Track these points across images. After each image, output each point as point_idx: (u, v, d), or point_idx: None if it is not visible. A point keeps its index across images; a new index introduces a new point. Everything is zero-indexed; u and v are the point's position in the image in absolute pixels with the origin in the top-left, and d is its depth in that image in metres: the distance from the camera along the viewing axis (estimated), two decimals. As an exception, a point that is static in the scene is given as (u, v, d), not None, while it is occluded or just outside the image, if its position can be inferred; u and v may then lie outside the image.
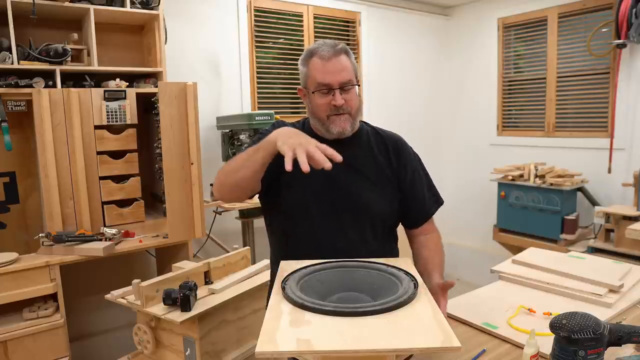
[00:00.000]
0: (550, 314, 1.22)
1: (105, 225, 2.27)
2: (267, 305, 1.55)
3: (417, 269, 1.16)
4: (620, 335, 0.90)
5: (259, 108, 3.27)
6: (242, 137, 2.71)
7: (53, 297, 2.02)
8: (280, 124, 1.44)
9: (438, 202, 1.44)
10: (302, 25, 3.45)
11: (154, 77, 2.51)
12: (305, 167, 0.99)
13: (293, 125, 1.46)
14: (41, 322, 1.95)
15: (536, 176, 3.32)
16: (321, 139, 1.37)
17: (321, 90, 1.28)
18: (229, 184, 1.25)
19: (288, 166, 1.00)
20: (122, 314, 2.61)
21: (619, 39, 2.99)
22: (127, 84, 2.39)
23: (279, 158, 1.36)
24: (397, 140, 1.43)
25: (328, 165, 1.01)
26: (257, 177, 1.22)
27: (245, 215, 2.89)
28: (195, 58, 2.98)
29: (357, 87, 1.32)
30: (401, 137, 1.46)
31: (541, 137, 3.75)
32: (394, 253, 1.42)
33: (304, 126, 1.43)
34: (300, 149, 1.02)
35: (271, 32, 3.32)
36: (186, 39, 2.91)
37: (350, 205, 1.31)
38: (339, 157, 1.04)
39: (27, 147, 2.35)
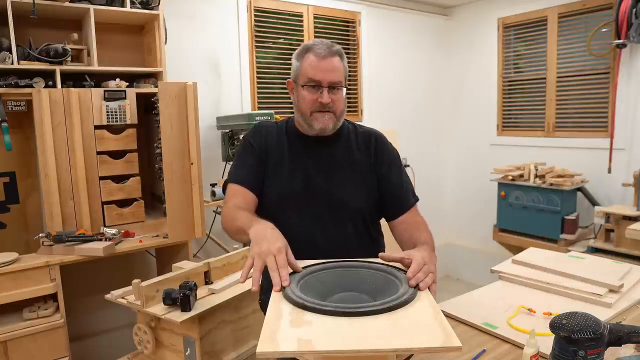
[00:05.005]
0: (550, 314, 1.22)
1: (105, 225, 2.27)
2: (260, 305, 1.54)
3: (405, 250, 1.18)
4: (620, 335, 0.90)
5: (259, 108, 3.27)
6: (242, 137, 2.70)
7: (53, 297, 2.02)
8: (261, 126, 1.47)
9: (414, 197, 1.45)
10: (302, 25, 3.44)
11: (154, 77, 2.51)
12: (255, 286, 0.98)
13: (277, 124, 1.47)
14: (41, 322, 1.95)
15: (536, 176, 3.32)
16: (303, 136, 1.39)
17: (310, 85, 1.31)
18: (231, 234, 1.30)
19: (240, 279, 1.02)
20: (122, 314, 2.61)
21: (619, 39, 2.99)
22: (127, 84, 2.39)
23: (262, 161, 1.38)
24: (376, 136, 1.47)
25: (276, 288, 0.95)
26: None
27: (245, 215, 2.89)
28: (195, 58, 2.98)
29: (344, 90, 1.35)
30: (381, 133, 1.49)
31: (541, 137, 3.75)
32: (379, 246, 1.44)
33: (287, 125, 1.45)
34: (258, 260, 1.00)
35: (271, 32, 3.32)
36: (186, 39, 2.91)
37: (329, 202, 1.35)
38: (286, 283, 0.96)
39: (27, 147, 2.35)
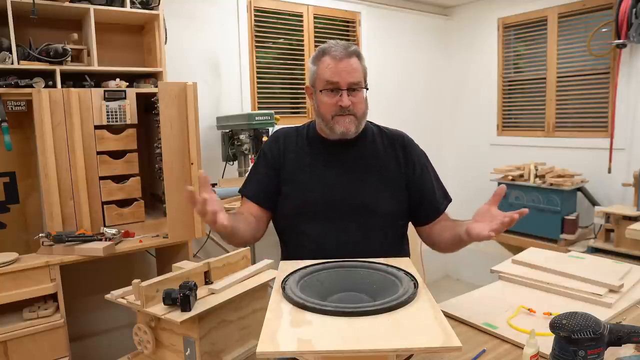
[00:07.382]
0: (550, 314, 1.22)
1: (105, 225, 2.27)
2: None
3: (449, 243, 1.24)
4: (620, 335, 0.90)
5: (259, 108, 3.27)
6: (242, 137, 2.70)
7: (53, 297, 2.02)
8: (280, 132, 1.45)
9: (447, 198, 1.44)
10: (302, 25, 3.44)
11: (154, 77, 2.51)
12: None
13: (297, 129, 1.45)
14: (41, 322, 1.95)
15: (536, 176, 3.32)
16: (325, 140, 1.37)
17: (329, 89, 1.28)
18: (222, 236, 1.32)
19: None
20: (122, 314, 2.61)
21: (619, 39, 2.99)
22: (127, 84, 2.39)
23: (275, 171, 1.37)
24: (403, 137, 1.43)
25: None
26: (243, 230, 1.25)
27: (245, 215, 2.89)
28: (195, 58, 2.98)
29: (365, 90, 1.32)
30: (407, 134, 1.45)
31: (541, 137, 3.75)
32: (404, 254, 1.39)
33: (309, 129, 1.42)
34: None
35: (271, 32, 3.32)
36: (186, 39, 2.91)
37: (356, 208, 1.30)
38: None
39: (27, 147, 2.35)
